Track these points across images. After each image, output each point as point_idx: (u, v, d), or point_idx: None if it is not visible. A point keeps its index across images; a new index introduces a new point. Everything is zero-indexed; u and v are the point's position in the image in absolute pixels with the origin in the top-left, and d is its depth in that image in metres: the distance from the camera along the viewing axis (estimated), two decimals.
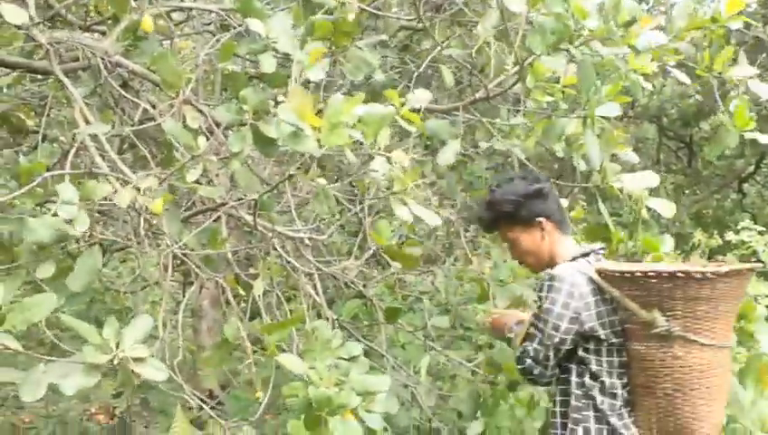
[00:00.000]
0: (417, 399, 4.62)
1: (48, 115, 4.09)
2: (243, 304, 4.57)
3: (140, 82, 4.00)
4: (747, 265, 2.89)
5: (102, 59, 3.27)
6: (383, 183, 2.76)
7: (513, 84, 3.62)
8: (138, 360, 2.19)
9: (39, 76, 4.05)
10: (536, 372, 2.97)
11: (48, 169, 2.91)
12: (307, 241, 3.37)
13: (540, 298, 2.96)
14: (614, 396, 2.91)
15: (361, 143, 2.66)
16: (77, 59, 3.84)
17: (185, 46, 4.44)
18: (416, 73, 4.06)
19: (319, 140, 2.46)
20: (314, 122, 2.46)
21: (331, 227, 3.50)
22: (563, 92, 3.52)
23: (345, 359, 2.91)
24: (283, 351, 2.87)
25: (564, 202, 4.40)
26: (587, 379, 2.91)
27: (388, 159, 2.63)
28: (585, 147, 3.33)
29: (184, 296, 3.84)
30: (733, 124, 3.63)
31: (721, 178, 12.41)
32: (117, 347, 2.20)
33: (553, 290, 2.89)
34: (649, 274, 2.78)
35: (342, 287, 5.49)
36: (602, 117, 3.28)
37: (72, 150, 3.06)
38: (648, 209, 3.42)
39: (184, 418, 2.73)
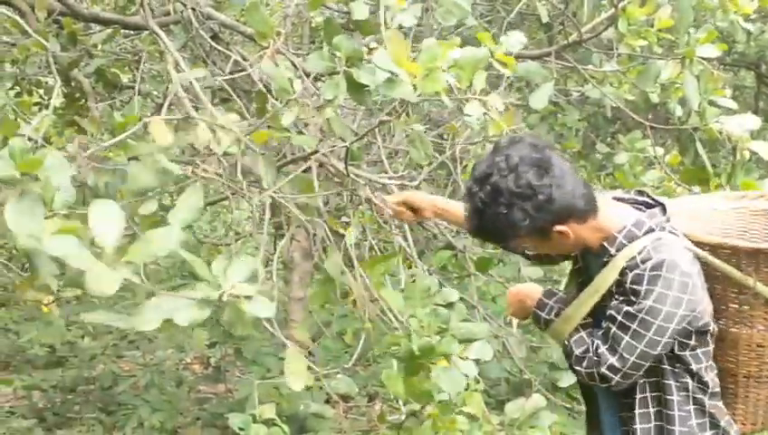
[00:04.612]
0: (507, 350, 4.60)
1: (142, 70, 4.17)
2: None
3: (231, 34, 4.04)
4: None
5: (194, 10, 3.30)
6: (476, 128, 2.71)
7: (606, 27, 3.54)
8: (246, 297, 2.22)
9: (132, 31, 4.12)
10: (614, 382, 2.25)
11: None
12: (396, 189, 3.36)
13: (632, 291, 2.20)
14: (715, 395, 2.33)
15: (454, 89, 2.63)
16: (168, 13, 3.90)
17: None
18: (506, 20, 4.00)
19: (414, 86, 2.43)
20: (410, 68, 2.43)
21: (422, 175, 3.47)
22: (658, 37, 3.43)
23: (442, 306, 2.90)
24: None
25: (660, 150, 4.31)
26: (689, 381, 2.29)
27: (484, 104, 2.59)
28: (682, 89, 3.24)
29: (275, 250, 3.88)
30: None
31: None
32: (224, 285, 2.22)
33: (660, 282, 2.16)
34: None
35: (431, 238, 5.49)
36: (701, 58, 3.17)
37: (167, 101, 3.10)
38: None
39: (298, 355, 2.71)
